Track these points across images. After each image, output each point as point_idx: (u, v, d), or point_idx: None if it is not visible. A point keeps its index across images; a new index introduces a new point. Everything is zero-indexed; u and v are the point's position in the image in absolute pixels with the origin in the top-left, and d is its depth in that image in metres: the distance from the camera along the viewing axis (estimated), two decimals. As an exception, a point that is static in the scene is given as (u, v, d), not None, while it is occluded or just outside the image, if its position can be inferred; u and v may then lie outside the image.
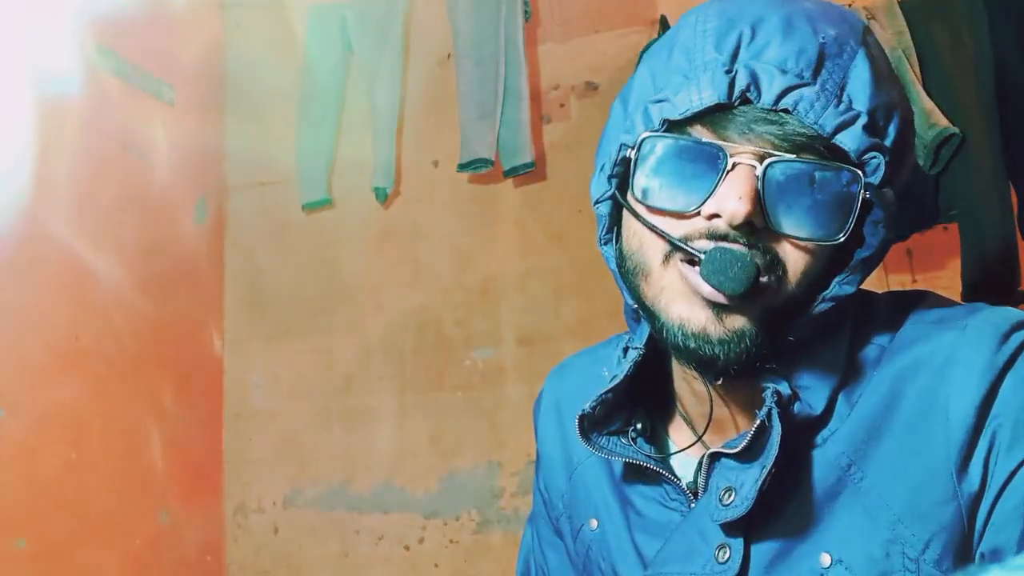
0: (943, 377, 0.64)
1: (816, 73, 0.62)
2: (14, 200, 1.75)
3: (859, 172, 0.61)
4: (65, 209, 1.88)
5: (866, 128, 0.61)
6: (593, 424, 0.72)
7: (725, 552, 0.67)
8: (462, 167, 2.12)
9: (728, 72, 0.62)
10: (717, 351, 0.63)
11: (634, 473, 0.75)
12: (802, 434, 0.67)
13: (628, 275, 0.69)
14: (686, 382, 0.73)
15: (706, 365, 0.65)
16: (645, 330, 0.72)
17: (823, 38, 0.63)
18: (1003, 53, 1.75)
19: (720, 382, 0.67)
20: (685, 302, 0.64)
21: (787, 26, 0.63)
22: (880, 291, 0.76)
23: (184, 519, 2.17)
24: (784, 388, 0.66)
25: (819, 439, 0.67)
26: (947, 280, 1.84)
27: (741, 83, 0.61)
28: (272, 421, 2.35)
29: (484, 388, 2.17)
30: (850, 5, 1.87)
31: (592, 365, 0.84)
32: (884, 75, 0.65)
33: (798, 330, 0.66)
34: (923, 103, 1.75)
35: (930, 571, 0.62)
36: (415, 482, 2.20)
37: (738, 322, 0.63)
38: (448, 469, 2.18)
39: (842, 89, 0.62)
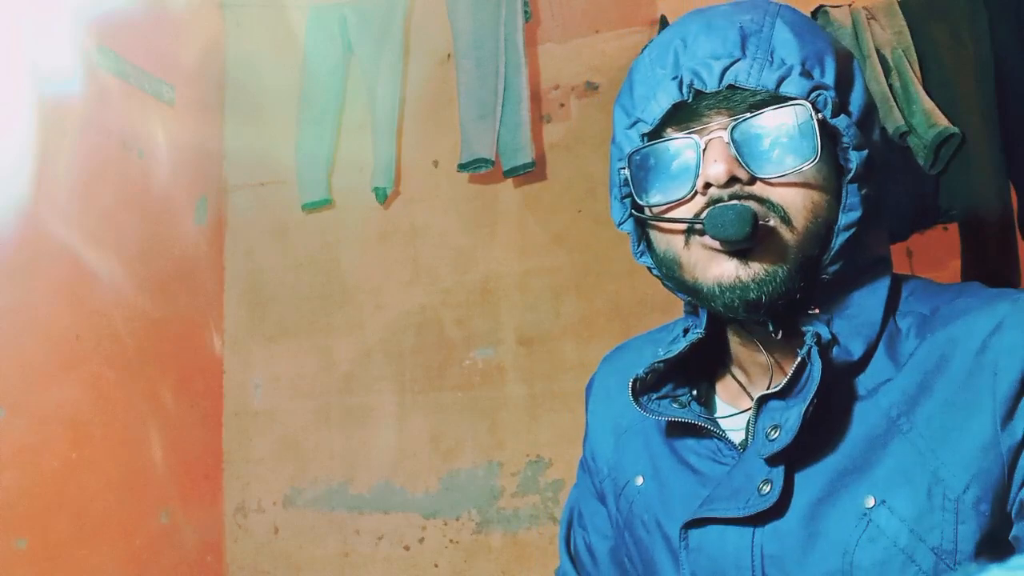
0: (994, 340, 0.70)
1: (744, 49, 0.74)
2: (14, 200, 1.75)
3: (806, 103, 0.71)
4: (65, 209, 1.87)
5: (803, 74, 0.73)
6: (644, 388, 0.82)
7: (767, 485, 0.74)
8: (462, 167, 2.12)
9: (675, 78, 0.76)
10: (755, 293, 0.72)
11: (685, 432, 0.84)
12: (843, 377, 0.74)
13: (671, 275, 0.79)
14: (740, 343, 0.82)
15: (752, 309, 0.73)
16: (704, 315, 0.82)
17: (741, 23, 0.76)
18: (1003, 53, 1.75)
19: (772, 329, 0.75)
20: (713, 264, 0.74)
21: (708, 27, 0.77)
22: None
23: (184, 519, 2.17)
24: (824, 331, 0.74)
25: (868, 388, 0.74)
26: (947, 280, 1.84)
27: (687, 80, 0.75)
28: (272, 421, 2.35)
29: (484, 388, 2.17)
30: (850, 5, 1.87)
31: (647, 345, 0.95)
32: (806, 32, 0.76)
33: (830, 266, 0.74)
34: (923, 103, 1.75)
35: (968, 512, 0.68)
36: (415, 482, 2.20)
37: (764, 262, 0.72)
38: (448, 469, 2.18)
39: (771, 54, 0.74)
